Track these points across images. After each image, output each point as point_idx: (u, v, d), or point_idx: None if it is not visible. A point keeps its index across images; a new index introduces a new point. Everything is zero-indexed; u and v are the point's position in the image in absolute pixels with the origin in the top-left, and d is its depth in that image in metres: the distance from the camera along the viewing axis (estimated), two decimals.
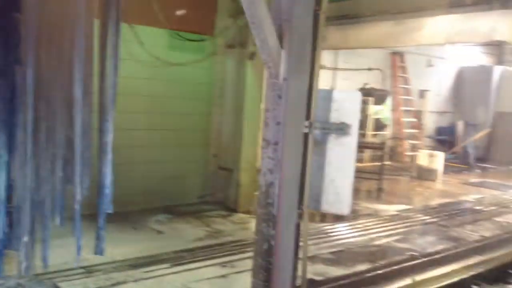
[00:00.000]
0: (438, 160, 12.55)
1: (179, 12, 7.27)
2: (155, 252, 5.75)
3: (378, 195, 10.01)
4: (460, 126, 16.55)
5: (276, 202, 3.32)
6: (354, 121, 3.41)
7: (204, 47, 7.95)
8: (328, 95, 3.46)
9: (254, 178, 7.90)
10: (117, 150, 4.04)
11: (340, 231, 7.27)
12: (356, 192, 9.26)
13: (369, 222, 7.92)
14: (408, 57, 15.38)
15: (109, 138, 3.95)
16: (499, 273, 6.26)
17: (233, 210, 7.94)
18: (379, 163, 11.00)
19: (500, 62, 17.92)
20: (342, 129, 3.40)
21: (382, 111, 14.17)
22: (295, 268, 3.54)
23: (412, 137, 15.36)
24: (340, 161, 3.47)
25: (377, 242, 6.88)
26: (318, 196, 3.52)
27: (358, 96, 3.45)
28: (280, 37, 3.24)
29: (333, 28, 7.81)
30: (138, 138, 7.45)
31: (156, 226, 6.92)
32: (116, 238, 5.58)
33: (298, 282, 3.73)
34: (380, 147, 11.95)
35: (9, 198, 3.53)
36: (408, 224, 8.00)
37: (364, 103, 12.51)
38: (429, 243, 6.96)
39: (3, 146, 3.39)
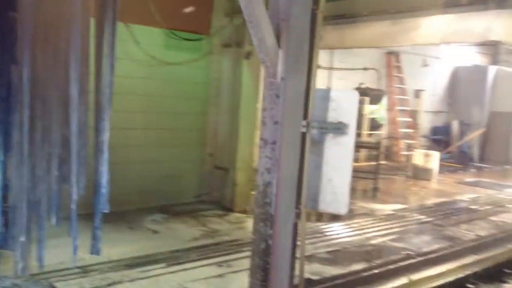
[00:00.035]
0: (433, 159, 12.59)
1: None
2: (151, 252, 5.74)
3: (373, 194, 10.02)
4: (455, 125, 16.61)
5: (274, 201, 3.32)
6: (351, 121, 3.42)
7: (200, 47, 7.94)
8: (325, 94, 3.46)
9: (250, 177, 7.90)
10: (113, 149, 4.02)
11: (336, 230, 7.28)
12: (352, 191, 9.24)
13: (365, 221, 7.93)
14: (403, 57, 15.42)
15: (106, 137, 3.93)
16: (495, 272, 6.28)
17: (229, 209, 7.94)
18: (374, 163, 11.02)
19: (495, 62, 17.99)
20: (339, 128, 3.40)
21: (377, 110, 14.21)
22: (292, 268, 3.54)
23: (408, 136, 15.40)
24: (338, 161, 3.46)
25: (373, 242, 6.89)
26: (316, 195, 3.52)
27: (356, 96, 3.45)
28: (278, 37, 3.23)
29: (329, 28, 7.82)
30: (134, 137, 7.43)
31: (152, 225, 6.90)
32: (112, 238, 5.56)
33: (296, 281, 3.72)
34: (375, 146, 11.96)
35: (4, 198, 3.52)
36: (404, 223, 8.02)
37: (360, 102, 12.49)
38: (424, 243, 6.98)
39: None
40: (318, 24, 3.36)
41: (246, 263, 4.47)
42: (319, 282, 5.20)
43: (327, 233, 7.09)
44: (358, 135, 13.14)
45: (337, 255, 6.19)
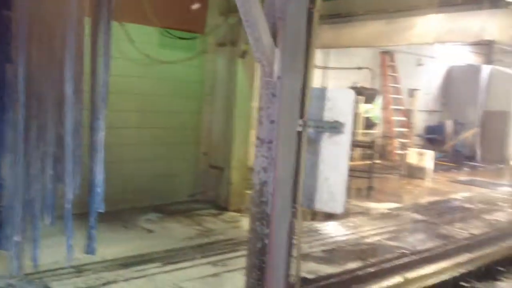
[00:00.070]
0: (427, 158, 12.64)
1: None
2: (146, 251, 5.72)
3: (368, 193, 10.03)
4: (449, 124, 16.68)
5: (270, 200, 3.32)
6: (347, 120, 3.41)
7: (194, 45, 7.91)
8: (321, 93, 3.45)
9: (245, 176, 7.90)
10: (107, 148, 4.02)
11: (331, 229, 7.29)
12: (347, 190, 9.26)
13: (360, 220, 7.95)
14: (397, 56, 15.46)
15: (101, 136, 3.93)
16: (489, 270, 6.32)
17: (224, 208, 7.92)
18: (369, 162, 11.04)
19: (488, 61, 18.06)
20: (336, 127, 3.40)
21: (372, 109, 14.24)
22: (288, 267, 3.54)
23: (402, 135, 15.45)
24: (334, 160, 3.46)
25: (368, 240, 6.90)
26: (312, 194, 3.52)
27: (352, 95, 3.45)
28: (274, 35, 3.22)
29: (325, 27, 7.82)
30: (129, 136, 7.41)
31: (147, 225, 6.88)
32: (106, 237, 5.54)
33: (291, 280, 3.72)
34: (370, 145, 11.98)
35: None
36: (399, 222, 8.04)
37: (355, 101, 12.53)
38: (419, 241, 7.00)
39: None
40: (314, 23, 3.35)
41: (241, 262, 4.48)
42: (314, 280, 5.21)
43: (322, 232, 7.09)
44: (353, 134, 13.16)
45: (332, 254, 6.20)
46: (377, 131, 14.89)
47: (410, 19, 7.55)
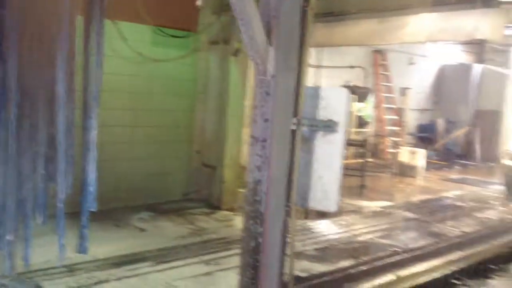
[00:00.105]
0: (419, 157, 12.69)
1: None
2: (138, 250, 5.70)
3: (360, 191, 10.05)
4: (440, 123, 16.75)
5: (264, 199, 3.32)
6: (341, 118, 3.42)
7: (187, 44, 7.89)
8: (315, 92, 3.46)
9: (238, 175, 7.89)
10: (100, 146, 3.99)
11: (324, 227, 7.30)
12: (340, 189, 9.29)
13: (352, 218, 7.97)
14: (390, 55, 15.49)
15: (93, 135, 3.90)
16: (480, 268, 6.36)
17: (216, 207, 7.91)
18: (361, 160, 11.06)
19: (480, 60, 18.13)
20: (329, 126, 3.40)
21: (364, 108, 14.26)
22: (282, 265, 3.54)
23: (394, 134, 15.49)
24: (328, 158, 3.47)
25: (360, 239, 6.93)
26: (306, 193, 3.52)
27: (346, 94, 3.45)
28: (268, 34, 3.22)
29: (318, 25, 7.81)
30: (121, 135, 7.38)
31: (139, 223, 6.86)
32: (98, 236, 5.49)
33: (285, 278, 3.73)
34: (362, 144, 12.00)
35: None
36: (391, 220, 8.07)
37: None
38: (411, 239, 7.03)
39: None
40: (308, 22, 3.35)
41: (234, 261, 4.48)
42: (307, 279, 5.22)
43: (315, 230, 7.11)
44: (346, 132, 13.17)
45: (325, 252, 6.21)
46: (369, 129, 14.92)
47: (402, 18, 7.57)
